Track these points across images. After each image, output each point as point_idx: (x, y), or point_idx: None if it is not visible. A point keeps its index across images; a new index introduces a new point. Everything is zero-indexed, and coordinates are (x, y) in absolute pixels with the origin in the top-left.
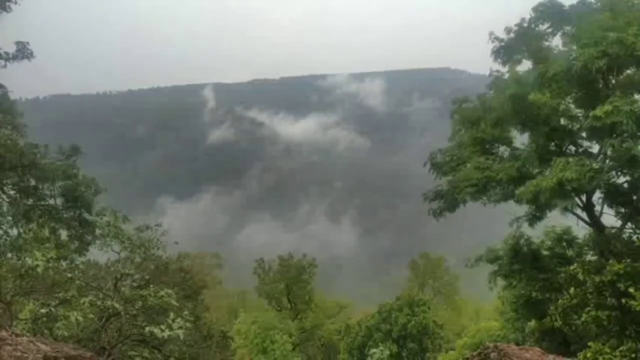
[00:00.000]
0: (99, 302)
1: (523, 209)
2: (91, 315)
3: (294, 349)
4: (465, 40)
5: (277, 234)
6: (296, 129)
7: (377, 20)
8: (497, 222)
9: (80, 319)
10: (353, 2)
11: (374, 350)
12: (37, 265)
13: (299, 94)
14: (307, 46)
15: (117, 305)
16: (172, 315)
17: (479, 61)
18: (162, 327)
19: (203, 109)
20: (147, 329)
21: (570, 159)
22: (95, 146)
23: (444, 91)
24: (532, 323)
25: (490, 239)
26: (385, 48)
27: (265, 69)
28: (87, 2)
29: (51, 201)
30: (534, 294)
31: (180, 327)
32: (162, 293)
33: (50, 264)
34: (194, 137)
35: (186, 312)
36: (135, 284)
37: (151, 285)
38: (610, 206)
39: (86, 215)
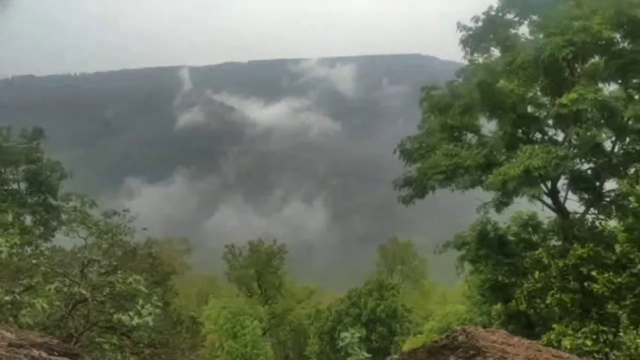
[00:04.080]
0: (65, 289)
1: (490, 195)
2: (57, 302)
3: (264, 334)
4: (436, 27)
5: (249, 219)
6: (267, 113)
7: (349, 5)
8: (467, 206)
9: (46, 306)
10: None
11: (345, 334)
12: (1, 252)
13: (269, 78)
14: (278, 29)
15: (84, 292)
16: (140, 301)
17: (449, 48)
18: (131, 314)
19: (174, 92)
20: (115, 316)
21: (537, 147)
22: (61, 130)
23: (415, 77)
24: (498, 306)
25: (459, 223)
26: (356, 33)
27: (236, 52)
28: None
29: (14, 185)
30: (500, 278)
31: (150, 314)
32: (130, 279)
33: (14, 250)
34: (164, 120)
35: (155, 298)
36: (102, 270)
37: (119, 272)
38: (574, 192)
39: (51, 200)
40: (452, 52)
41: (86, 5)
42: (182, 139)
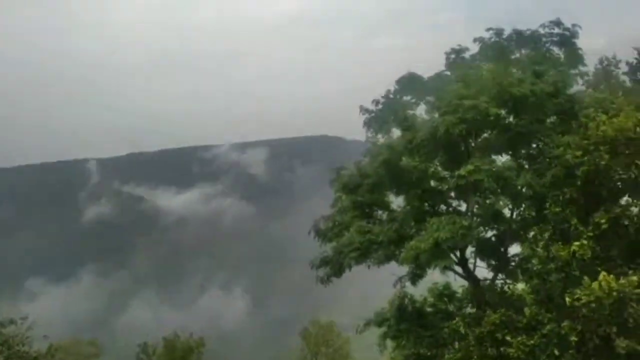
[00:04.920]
0: None
1: (404, 269)
2: None
3: None
4: (340, 108)
5: (163, 313)
6: (179, 201)
7: (253, 89)
8: (385, 281)
9: None
10: (231, 71)
11: None
12: None
13: (180, 165)
14: (187, 117)
15: None
16: None
17: (353, 127)
18: None
19: (80, 185)
20: None
21: (443, 218)
22: None
23: (324, 157)
24: None
25: (379, 298)
26: (264, 117)
27: (144, 141)
28: None
29: None
30: (422, 351)
31: None
32: None
33: None
34: (70, 215)
35: None
36: None
37: None
38: (482, 259)
39: None
40: (356, 132)
41: None
42: (89, 234)
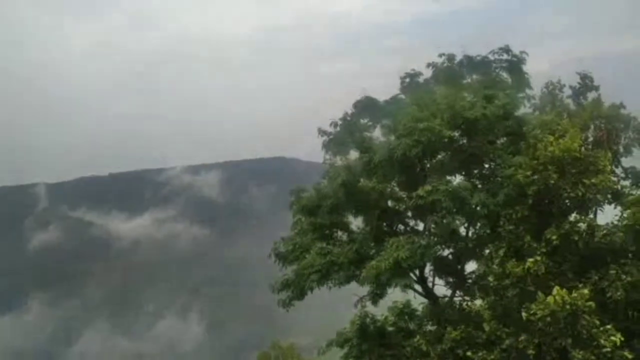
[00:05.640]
0: None
1: (365, 289)
2: None
3: None
4: (296, 130)
5: (117, 342)
6: (131, 226)
7: (204, 111)
8: (345, 301)
9: None
10: (183, 92)
11: None
12: None
13: (132, 189)
14: (138, 140)
15: None
16: None
17: (308, 149)
18: None
19: (25, 211)
20: None
21: (401, 238)
22: None
23: (280, 179)
24: None
25: (339, 318)
26: (217, 140)
27: (93, 165)
28: None
29: None
30: None
31: None
32: None
33: None
34: (14, 243)
35: None
36: None
37: None
38: (440, 277)
39: None
40: (312, 153)
41: None
42: (37, 262)
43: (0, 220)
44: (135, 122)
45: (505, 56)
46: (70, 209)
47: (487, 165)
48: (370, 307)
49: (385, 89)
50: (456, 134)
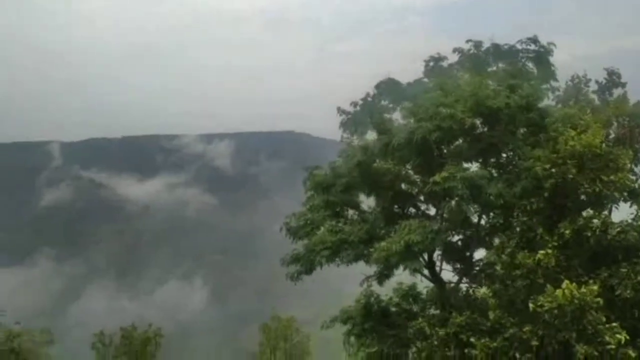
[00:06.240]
0: None
1: (372, 269)
2: None
3: None
4: (307, 106)
5: (121, 303)
6: (142, 189)
7: (220, 84)
8: (349, 279)
9: None
10: (199, 62)
11: None
12: None
13: (144, 153)
14: (153, 105)
15: None
16: None
17: (319, 124)
18: None
19: (39, 169)
20: None
21: (412, 222)
22: None
23: (290, 153)
24: None
25: (342, 295)
26: (232, 110)
27: (108, 127)
28: None
29: None
30: (385, 350)
31: None
32: None
33: None
34: (26, 199)
35: None
36: None
37: None
38: (448, 263)
39: None
40: (323, 130)
41: None
42: (47, 219)
43: (12, 176)
44: (151, 94)
45: (532, 46)
46: (83, 168)
47: (505, 155)
48: (375, 287)
49: (402, 72)
50: (477, 121)
